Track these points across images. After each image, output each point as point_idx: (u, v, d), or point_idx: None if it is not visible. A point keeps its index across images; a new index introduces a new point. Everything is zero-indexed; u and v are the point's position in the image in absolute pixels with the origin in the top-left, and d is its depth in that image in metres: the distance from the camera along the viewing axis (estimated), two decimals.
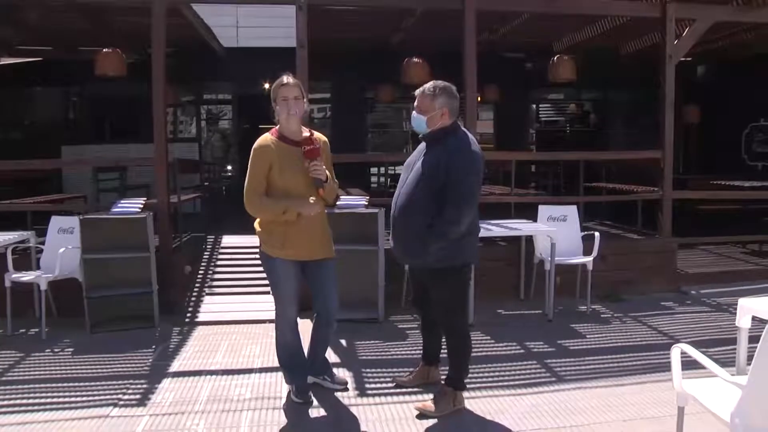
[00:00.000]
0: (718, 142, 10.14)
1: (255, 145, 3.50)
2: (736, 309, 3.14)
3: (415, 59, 7.44)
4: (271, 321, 3.84)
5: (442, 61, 7.33)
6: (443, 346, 3.77)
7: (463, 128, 3.54)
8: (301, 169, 3.45)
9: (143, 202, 5.54)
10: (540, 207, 6.26)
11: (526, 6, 6.28)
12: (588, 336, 5.13)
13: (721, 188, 8.01)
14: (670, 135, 6.62)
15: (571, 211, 6.28)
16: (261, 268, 3.73)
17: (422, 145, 3.57)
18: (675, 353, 2.55)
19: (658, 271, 6.63)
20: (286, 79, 3.50)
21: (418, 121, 3.50)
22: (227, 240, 6.98)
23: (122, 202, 5.58)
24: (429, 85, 3.51)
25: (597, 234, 5.87)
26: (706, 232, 7.76)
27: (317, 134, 3.60)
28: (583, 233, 6.16)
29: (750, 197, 7.68)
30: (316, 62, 5.90)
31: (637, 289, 6.40)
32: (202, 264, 6.52)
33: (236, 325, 5.35)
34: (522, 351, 4.73)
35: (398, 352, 4.70)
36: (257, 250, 3.69)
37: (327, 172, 3.48)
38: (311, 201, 3.42)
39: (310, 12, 5.84)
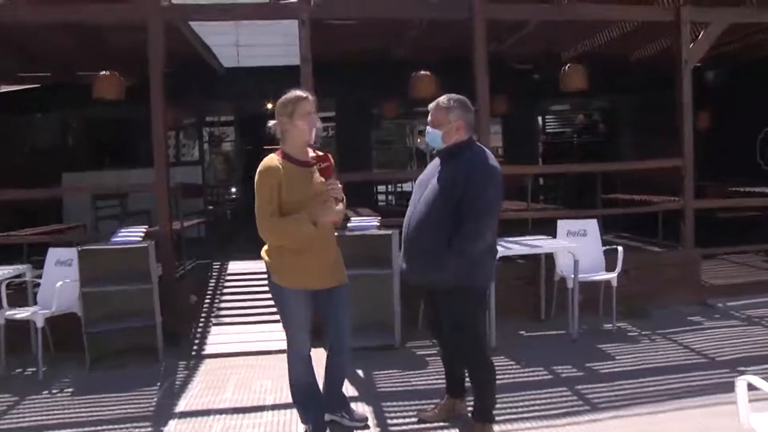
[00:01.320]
0: (731, 148, 9.87)
1: (261, 167, 3.26)
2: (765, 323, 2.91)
3: (423, 72, 7.22)
4: (282, 351, 3.60)
5: (448, 72, 7.15)
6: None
7: (478, 143, 3.37)
8: (311, 189, 3.24)
9: (145, 230, 5.29)
10: (559, 222, 6.00)
11: (536, 13, 6.07)
12: (617, 357, 4.85)
13: (739, 195, 7.74)
14: (689, 142, 6.38)
15: (591, 225, 6.02)
16: (270, 295, 3.50)
17: (436, 161, 3.40)
18: (741, 386, 2.28)
19: (682, 284, 6.35)
20: (305, 93, 3.30)
21: (433, 136, 3.34)
22: (234, 266, 6.72)
23: (123, 230, 5.33)
24: (443, 98, 3.36)
25: (620, 249, 5.61)
26: (726, 240, 7.46)
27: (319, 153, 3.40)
28: (604, 247, 5.90)
29: None
30: (318, 78, 5.70)
31: (662, 303, 6.13)
32: (208, 292, 6.25)
33: (246, 356, 5.07)
34: (550, 376, 4.45)
35: (419, 382, 4.41)
36: (265, 276, 3.45)
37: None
38: (330, 206, 3.18)
39: (312, 26, 5.65)
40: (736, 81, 10.00)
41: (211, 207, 9.81)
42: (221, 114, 11.20)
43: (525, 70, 10.84)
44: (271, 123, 3.37)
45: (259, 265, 6.48)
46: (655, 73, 9.47)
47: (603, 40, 8.16)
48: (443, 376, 3.76)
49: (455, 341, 3.35)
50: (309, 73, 5.67)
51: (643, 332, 5.48)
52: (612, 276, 5.50)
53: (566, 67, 7.38)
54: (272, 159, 3.29)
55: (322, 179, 3.22)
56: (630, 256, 6.24)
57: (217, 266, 6.89)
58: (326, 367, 3.55)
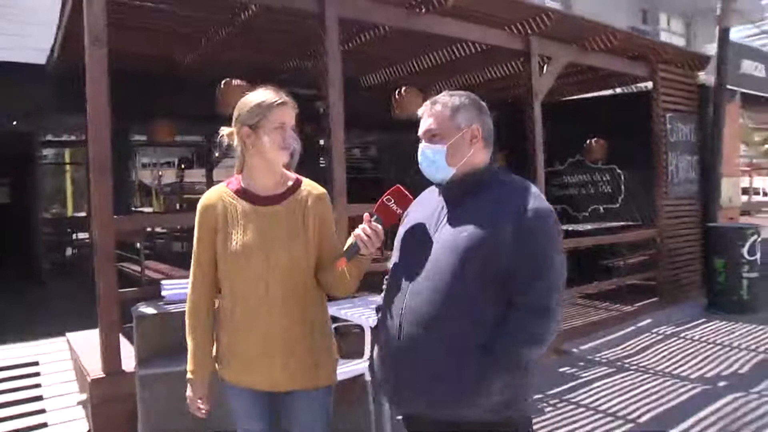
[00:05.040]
0: None
1: (199, 203, 2.08)
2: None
3: (236, 81, 5.63)
4: None
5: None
6: None
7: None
8: (267, 244, 2.00)
9: None
10: None
11: (391, 19, 5.05)
12: None
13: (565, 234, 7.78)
14: (542, 180, 6.03)
15: None
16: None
17: (435, 199, 1.97)
18: None
19: None
20: (281, 96, 2.05)
21: (432, 157, 1.91)
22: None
23: None
24: (442, 94, 1.96)
25: None
26: None
27: (311, 183, 2.16)
28: None
29: (629, 239, 7.53)
30: (66, 87, 4.43)
31: None
32: None
33: None
34: None
35: None
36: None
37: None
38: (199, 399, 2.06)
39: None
40: (518, 123, 10.43)
41: None
42: None
43: (309, 96, 9.83)
44: (224, 131, 2.10)
45: (52, 347, 4.24)
46: None
47: (410, 70, 7.57)
48: None
49: None
50: (103, 59, 3.59)
51: (535, 396, 4.78)
52: None
53: (402, 90, 6.58)
54: (216, 190, 2.11)
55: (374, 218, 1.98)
56: None
57: None
58: None
